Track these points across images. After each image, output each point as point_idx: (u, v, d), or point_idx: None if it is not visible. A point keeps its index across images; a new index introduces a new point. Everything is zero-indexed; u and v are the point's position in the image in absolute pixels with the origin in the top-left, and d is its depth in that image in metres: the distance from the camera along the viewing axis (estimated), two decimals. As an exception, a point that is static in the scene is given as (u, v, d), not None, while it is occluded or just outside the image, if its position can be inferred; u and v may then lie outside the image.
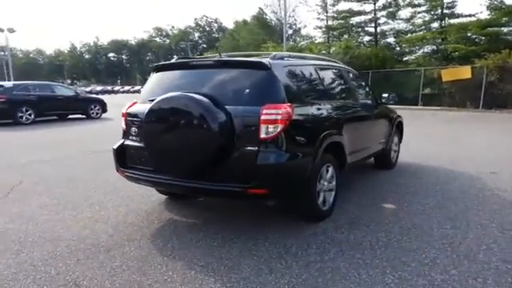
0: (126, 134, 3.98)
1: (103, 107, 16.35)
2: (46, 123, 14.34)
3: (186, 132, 3.36)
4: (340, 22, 33.74)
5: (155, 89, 3.88)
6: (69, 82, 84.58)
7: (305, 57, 4.67)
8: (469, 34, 24.87)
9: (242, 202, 4.39)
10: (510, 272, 2.88)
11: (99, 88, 55.96)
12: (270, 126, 3.24)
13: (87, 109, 15.65)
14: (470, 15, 27.03)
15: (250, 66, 3.60)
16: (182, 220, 4.05)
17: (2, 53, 63.63)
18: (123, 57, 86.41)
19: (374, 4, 31.80)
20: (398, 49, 30.35)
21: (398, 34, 31.48)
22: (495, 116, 16.58)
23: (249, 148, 3.27)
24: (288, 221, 3.90)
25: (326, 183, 3.93)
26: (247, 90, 3.47)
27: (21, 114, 13.72)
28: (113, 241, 3.48)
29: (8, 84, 14.30)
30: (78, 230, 3.75)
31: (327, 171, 3.96)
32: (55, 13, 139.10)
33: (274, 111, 3.25)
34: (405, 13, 30.69)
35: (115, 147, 3.98)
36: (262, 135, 3.24)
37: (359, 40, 34.27)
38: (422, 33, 28.46)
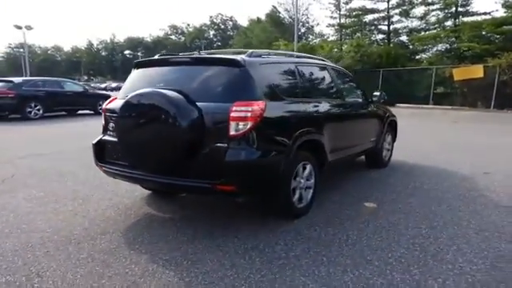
0: (105, 130, 4.04)
1: (111, 103, 16.49)
2: (54, 118, 14.61)
3: (156, 128, 3.40)
4: (353, 20, 33.45)
5: (135, 85, 3.92)
6: (85, 78, 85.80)
7: (286, 55, 4.66)
8: (483, 33, 24.37)
9: (221, 199, 4.40)
10: (472, 273, 2.85)
11: (114, 85, 56.54)
12: (239, 122, 3.26)
13: (96, 104, 15.85)
14: (484, 13, 26.55)
15: (225, 63, 3.61)
16: (159, 215, 4.09)
17: (22, 50, 65.13)
18: (139, 54, 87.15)
19: (388, 2, 31.45)
20: (410, 47, 29.92)
21: (411, 32, 31.05)
22: (506, 116, 16.27)
23: (218, 144, 3.29)
24: (264, 218, 3.91)
25: (302, 181, 3.92)
26: (220, 87, 3.49)
27: (29, 110, 13.99)
28: (86, 233, 3.54)
29: (18, 80, 14.59)
30: (55, 222, 3.82)
31: (304, 169, 3.95)
32: (73, 10, 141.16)
33: (243, 108, 3.26)
34: (419, 10, 30.12)
35: (94, 142, 4.05)
36: (232, 132, 3.25)
37: (372, 38, 33.93)
38: (435, 31, 28.00)
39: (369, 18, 32.88)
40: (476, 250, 3.23)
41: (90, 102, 15.91)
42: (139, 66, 4.10)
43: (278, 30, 39.05)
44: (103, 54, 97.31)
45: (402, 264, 2.98)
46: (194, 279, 2.75)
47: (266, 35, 39.56)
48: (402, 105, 22.10)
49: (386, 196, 4.73)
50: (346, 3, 33.61)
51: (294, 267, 2.92)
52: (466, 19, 27.02)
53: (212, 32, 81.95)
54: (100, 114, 13.91)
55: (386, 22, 32.40)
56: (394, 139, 6.62)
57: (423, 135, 10.47)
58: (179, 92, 3.38)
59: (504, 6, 24.62)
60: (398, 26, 32.05)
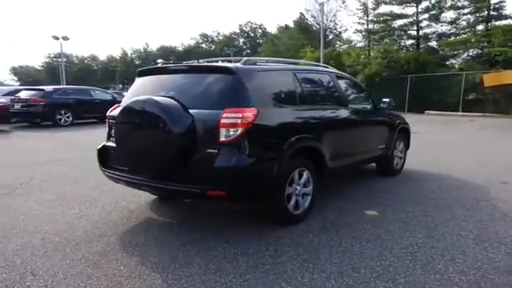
0: (108, 136, 4.19)
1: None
2: (83, 126, 15.13)
3: (149, 133, 3.51)
4: (381, 25, 32.98)
5: (135, 92, 4.06)
6: (120, 86, 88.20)
7: (285, 62, 4.69)
8: (516, 37, 23.48)
9: (222, 205, 4.47)
10: (460, 283, 2.78)
11: (146, 92, 58.03)
12: (230, 129, 3.32)
13: (123, 112, 16.27)
14: (518, 17, 25.60)
15: (218, 71, 3.70)
16: (159, 219, 4.20)
17: (60, 59, 67.97)
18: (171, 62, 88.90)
19: (417, 7, 30.82)
20: (440, 53, 29.19)
21: (440, 37, 30.30)
22: (539, 123, 15.60)
23: (209, 150, 3.36)
24: (260, 224, 3.93)
25: (298, 187, 3.94)
26: (213, 94, 3.58)
27: (59, 117, 14.58)
28: (86, 236, 3.68)
29: (48, 88, 15.23)
30: (60, 224, 3.99)
31: (301, 175, 3.97)
32: (108, 20, 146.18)
33: (234, 115, 3.32)
34: (449, 15, 29.30)
35: (98, 148, 4.20)
36: (222, 138, 3.32)
37: (402, 43, 33.34)
38: (465, 36, 27.23)
39: (398, 23, 32.32)
40: (470, 260, 3.15)
41: (117, 110, 16.37)
42: (141, 74, 4.25)
43: (305, 36, 38.93)
44: (137, 62, 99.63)
45: (388, 273, 2.95)
46: (176, 282, 2.81)
47: (293, 42, 39.54)
48: (430, 112, 21.64)
49: (391, 204, 4.66)
50: (374, 8, 33.23)
51: (278, 273, 2.94)
52: (498, 23, 26.14)
53: (242, 40, 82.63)
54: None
55: (415, 27, 31.75)
56: (406, 147, 6.50)
57: (445, 143, 10.20)
58: (172, 99, 3.49)
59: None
60: (427, 30, 31.38)
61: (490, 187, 5.43)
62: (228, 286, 2.76)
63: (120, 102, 4.10)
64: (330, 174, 4.58)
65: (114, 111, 4.12)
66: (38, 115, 14.28)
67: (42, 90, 14.86)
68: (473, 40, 25.47)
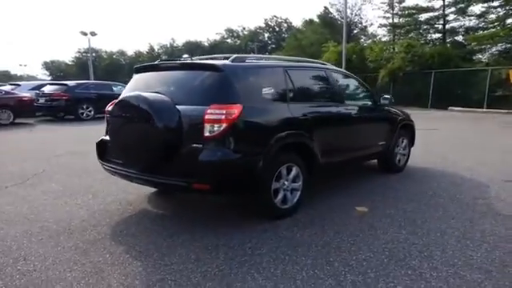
0: (106, 130, 4.39)
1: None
2: (103, 120, 15.52)
3: (137, 128, 3.68)
4: (406, 19, 32.31)
5: (131, 88, 4.25)
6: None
7: (277, 59, 4.76)
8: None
9: (217, 198, 4.60)
10: (430, 279, 2.83)
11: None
12: (214, 125, 3.44)
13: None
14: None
15: (206, 68, 3.82)
16: (153, 211, 4.38)
17: (89, 54, 69.85)
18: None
19: (443, 0, 30.04)
20: (467, 47, 28.37)
21: (467, 31, 29.44)
22: None
23: (195, 145, 3.50)
24: (250, 218, 4.03)
25: (286, 182, 4.02)
26: (200, 91, 3.71)
27: (82, 111, 15.08)
28: (81, 225, 3.89)
29: (71, 83, 15.75)
30: (60, 213, 4.22)
31: (290, 171, 4.05)
32: (136, 16, 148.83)
33: (218, 111, 3.44)
34: (478, 8, 28.37)
35: (97, 142, 4.41)
36: (206, 133, 3.45)
37: (428, 38, 32.58)
38: (493, 30, 26.35)
39: (424, 16, 31.58)
40: (447, 257, 3.17)
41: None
42: (138, 71, 4.41)
43: (329, 31, 38.61)
44: (163, 57, 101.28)
45: (361, 267, 3.01)
46: (155, 270, 2.97)
47: (317, 37, 39.22)
48: (454, 108, 21.11)
49: (384, 200, 4.68)
50: (400, 2, 32.55)
51: (253, 264, 3.05)
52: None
53: (267, 35, 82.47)
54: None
55: (442, 21, 30.95)
56: (411, 144, 6.45)
57: (461, 140, 10.01)
58: (161, 95, 3.64)
59: None
60: (454, 24, 30.52)
61: (491, 186, 5.36)
62: (202, 274, 2.89)
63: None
64: (324, 169, 4.64)
65: (110, 107, 4.31)
66: (60, 109, 14.80)
67: (65, 84, 15.39)
68: (501, 34, 24.62)
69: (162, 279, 2.83)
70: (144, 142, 3.62)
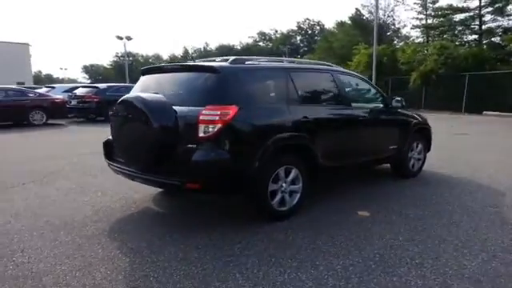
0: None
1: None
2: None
3: (136, 128, 3.77)
4: (440, 20, 31.34)
5: (136, 89, 4.37)
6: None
7: (279, 61, 4.75)
8: None
9: (220, 198, 4.64)
10: (415, 287, 2.74)
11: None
12: (209, 125, 3.49)
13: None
14: None
15: (204, 69, 3.88)
16: (155, 209, 4.48)
17: (125, 58, 72.09)
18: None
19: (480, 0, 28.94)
20: (506, 48, 27.16)
21: (506, 31, 28.18)
22: None
23: (189, 145, 3.56)
24: (248, 219, 4.04)
25: (285, 184, 4.01)
26: (198, 92, 3.78)
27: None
28: (83, 221, 4.03)
29: (102, 86, 16.27)
30: (67, 210, 4.38)
31: (289, 173, 4.04)
32: (172, 21, 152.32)
33: (212, 112, 3.49)
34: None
35: (104, 141, 4.55)
36: (200, 134, 3.50)
37: (464, 39, 31.49)
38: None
39: (458, 17, 30.53)
40: (439, 265, 3.08)
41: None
42: (144, 73, 4.53)
43: (360, 33, 37.99)
44: (197, 61, 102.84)
45: (346, 272, 2.97)
46: (140, 266, 3.04)
47: (349, 39, 38.70)
48: (489, 112, 20.31)
49: (389, 206, 4.57)
50: (433, 2, 31.62)
51: (238, 265, 3.07)
52: None
53: (299, 37, 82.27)
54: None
55: (478, 22, 29.81)
56: (427, 148, 6.27)
57: (488, 147, 9.61)
58: (159, 96, 3.73)
59: None
60: (492, 25, 29.29)
61: (508, 194, 5.13)
62: (185, 273, 2.94)
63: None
64: (327, 173, 4.61)
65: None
66: (91, 111, 15.32)
67: (96, 87, 15.92)
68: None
69: (145, 276, 2.89)
70: (141, 142, 3.71)
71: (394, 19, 38.77)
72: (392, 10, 37.62)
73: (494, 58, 23.70)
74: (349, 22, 43.30)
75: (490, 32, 29.72)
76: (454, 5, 30.10)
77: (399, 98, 5.55)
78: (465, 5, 29.76)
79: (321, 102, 4.67)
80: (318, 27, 78.31)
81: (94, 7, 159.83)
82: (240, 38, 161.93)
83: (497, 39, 29.27)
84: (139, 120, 3.67)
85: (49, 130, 13.14)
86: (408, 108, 6.27)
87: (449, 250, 3.38)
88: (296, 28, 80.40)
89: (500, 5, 27.89)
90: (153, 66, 4.53)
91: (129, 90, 15.25)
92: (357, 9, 41.01)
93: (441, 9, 31.11)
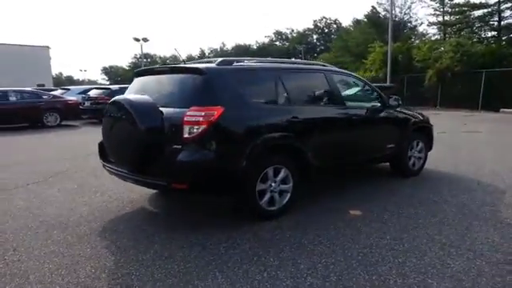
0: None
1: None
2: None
3: (124, 130, 3.85)
4: (457, 16, 30.73)
5: (129, 91, 4.45)
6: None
7: (269, 62, 4.76)
8: None
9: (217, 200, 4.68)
10: (393, 286, 2.76)
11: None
12: (194, 126, 3.54)
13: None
14: None
15: (190, 71, 3.93)
16: (149, 209, 4.56)
17: (144, 60, 73.24)
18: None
19: (498, -5, 28.27)
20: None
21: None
22: None
23: (175, 146, 3.61)
24: (240, 218, 4.08)
25: (274, 184, 4.03)
26: (184, 94, 3.83)
27: (123, 114, 15.74)
28: (77, 220, 4.13)
29: (114, 87, 16.50)
30: (64, 209, 4.50)
31: (278, 172, 4.06)
32: (188, 21, 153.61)
33: (197, 113, 3.54)
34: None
35: (99, 142, 4.65)
36: (185, 135, 3.55)
37: (482, 36, 30.82)
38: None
39: (476, 13, 29.84)
40: (421, 265, 3.06)
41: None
42: (136, 75, 4.62)
43: (377, 31, 37.56)
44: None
45: (325, 270, 2.98)
46: (125, 265, 3.11)
47: (365, 37, 38.28)
48: (506, 110, 19.87)
49: (383, 205, 4.54)
50: (451, -1, 31.02)
51: (220, 264, 3.11)
52: None
53: (315, 36, 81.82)
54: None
55: (497, 18, 29.12)
56: (428, 147, 6.18)
57: (498, 144, 9.41)
58: (146, 98, 3.80)
59: None
60: (511, 21, 28.56)
61: (508, 193, 5.04)
62: (167, 271, 2.99)
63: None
64: (320, 172, 4.60)
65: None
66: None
67: (109, 89, 16.17)
68: None
69: (128, 273, 2.96)
70: (129, 143, 3.78)
71: (410, 17, 38.17)
72: (409, 8, 37.08)
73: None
74: (365, 20, 42.84)
75: (509, 28, 28.98)
76: (472, 1, 29.38)
77: (396, 97, 5.51)
78: (483, 1, 29.09)
79: (312, 102, 4.65)
80: (334, 26, 77.70)
81: (114, 9, 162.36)
82: (256, 37, 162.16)
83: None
84: (126, 121, 3.74)
85: (62, 131, 13.42)
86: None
87: (435, 248, 3.36)
88: (312, 27, 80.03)
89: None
90: (145, 68, 4.61)
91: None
92: (373, 6, 40.53)
93: (458, 5, 30.46)
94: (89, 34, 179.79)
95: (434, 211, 4.32)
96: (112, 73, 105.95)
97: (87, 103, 15.57)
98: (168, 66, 4.33)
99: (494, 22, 29.69)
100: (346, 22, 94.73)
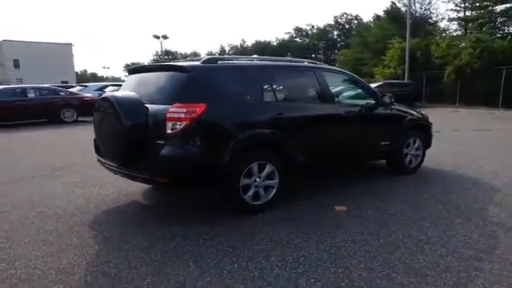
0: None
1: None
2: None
3: (110, 125, 4.02)
4: (479, 12, 30.00)
5: (123, 88, 4.63)
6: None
7: (257, 59, 4.85)
8: None
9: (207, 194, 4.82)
10: (355, 279, 2.83)
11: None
12: (176, 123, 3.68)
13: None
14: None
15: (175, 69, 4.06)
16: (142, 203, 4.74)
17: (164, 57, 74.18)
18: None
19: (522, -12, 27.45)
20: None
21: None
22: None
23: (158, 142, 3.76)
24: (225, 213, 4.18)
25: (258, 179, 4.14)
26: (169, 91, 3.97)
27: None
28: (72, 212, 4.33)
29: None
30: (62, 201, 4.71)
31: (263, 168, 4.16)
32: (209, 18, 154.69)
33: (179, 110, 3.68)
34: None
35: (94, 137, 4.84)
36: (168, 131, 3.69)
37: (506, 31, 30.00)
38: None
39: (499, 8, 29.05)
40: (391, 259, 3.12)
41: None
42: (130, 72, 4.79)
43: (396, 26, 37.01)
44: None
45: (295, 263, 3.08)
46: (106, 254, 3.28)
47: (384, 33, 37.82)
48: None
49: (370, 201, 4.57)
50: (472, -6, 30.30)
51: (195, 255, 3.24)
52: None
53: (336, 32, 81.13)
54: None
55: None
56: (426, 145, 6.16)
57: (506, 143, 9.26)
58: (133, 95, 3.97)
59: None
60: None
61: (502, 191, 5.00)
62: (144, 260, 3.15)
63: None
64: (307, 169, 4.70)
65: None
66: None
67: (120, 85, 16.51)
68: None
69: (106, 262, 3.13)
70: (115, 138, 3.95)
71: (431, 12, 37.47)
72: (429, 3, 36.40)
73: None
74: (384, 15, 42.29)
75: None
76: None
77: (389, 95, 5.52)
78: (505, -6, 28.33)
79: (298, 99, 4.72)
80: (355, 21, 76.86)
81: (136, 7, 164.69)
82: (276, 34, 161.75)
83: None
84: (113, 117, 3.91)
85: (78, 126, 13.80)
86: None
87: (409, 244, 3.40)
88: (333, 23, 79.30)
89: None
90: (137, 66, 4.78)
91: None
92: (392, 2, 39.96)
93: (479, 0, 29.73)
94: (112, 32, 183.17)
95: (420, 208, 4.35)
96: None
97: (103, 100, 15.93)
98: (157, 64, 4.48)
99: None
100: (367, 17, 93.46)
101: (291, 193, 4.83)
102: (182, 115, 3.65)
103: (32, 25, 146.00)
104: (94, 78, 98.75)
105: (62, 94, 15.08)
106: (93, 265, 3.09)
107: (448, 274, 2.88)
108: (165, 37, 48.00)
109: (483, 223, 3.89)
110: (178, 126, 3.67)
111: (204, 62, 4.09)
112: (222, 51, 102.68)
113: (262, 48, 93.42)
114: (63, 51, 59.73)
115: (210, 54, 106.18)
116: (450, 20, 34.06)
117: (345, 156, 5.16)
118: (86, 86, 19.23)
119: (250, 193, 4.10)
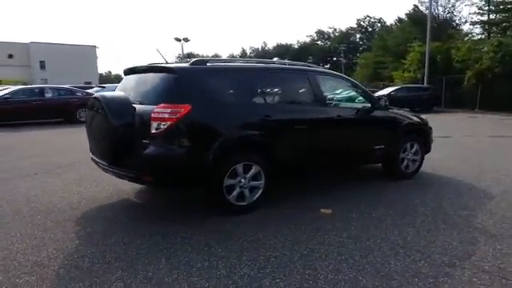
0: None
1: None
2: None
3: (99, 124, 4.14)
4: (503, 15, 29.25)
5: (118, 88, 4.76)
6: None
7: (249, 62, 4.89)
8: None
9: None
10: (320, 280, 2.85)
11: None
12: (161, 123, 3.77)
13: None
14: None
15: (165, 71, 4.15)
16: (133, 201, 4.85)
17: (186, 59, 75.18)
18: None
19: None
20: None
21: None
22: None
23: (144, 141, 3.86)
24: (212, 212, 4.24)
25: (243, 180, 4.18)
26: (156, 91, 4.07)
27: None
28: (63, 207, 4.47)
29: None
30: (57, 198, 4.86)
31: (249, 169, 4.21)
32: (230, 21, 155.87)
33: (163, 110, 3.76)
34: None
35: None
36: (153, 130, 3.78)
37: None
38: None
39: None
40: (362, 263, 3.12)
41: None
42: (125, 73, 4.91)
43: (418, 30, 36.45)
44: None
45: (265, 262, 3.12)
46: (83, 249, 3.39)
47: (405, 36, 37.31)
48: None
49: (356, 205, 4.53)
50: (496, -4, 29.59)
51: (171, 252, 3.31)
52: None
53: (358, 35, 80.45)
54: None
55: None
56: (424, 150, 6.08)
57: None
58: (121, 95, 4.08)
59: None
60: None
61: (496, 198, 4.89)
62: (119, 255, 3.24)
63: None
64: (294, 172, 4.72)
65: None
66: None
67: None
68: None
69: (83, 256, 3.23)
70: (105, 137, 4.07)
71: (454, 15, 36.78)
72: (452, 6, 35.73)
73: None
74: (406, 18, 41.74)
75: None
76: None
77: (384, 98, 5.49)
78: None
79: (289, 101, 4.76)
80: (378, 24, 76.04)
81: (159, 10, 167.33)
82: (298, 37, 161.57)
83: None
84: (102, 117, 4.02)
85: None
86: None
87: (384, 249, 3.39)
88: (356, 26, 78.72)
89: None
90: (130, 67, 4.89)
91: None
92: (414, 5, 39.43)
93: (504, 3, 29.00)
94: (135, 34, 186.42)
95: (405, 214, 4.31)
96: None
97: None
98: (148, 66, 4.57)
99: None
100: (391, 20, 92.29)
101: (282, 194, 4.88)
102: (166, 115, 3.73)
103: (59, 28, 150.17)
104: (118, 79, 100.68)
105: (78, 94, 15.47)
106: (69, 258, 3.20)
107: (416, 278, 2.87)
108: (186, 39, 48.36)
109: (467, 230, 3.84)
110: (162, 126, 3.75)
111: (193, 63, 4.17)
112: (244, 54, 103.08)
113: (283, 51, 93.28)
114: (87, 53, 61.15)
115: (231, 56, 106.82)
116: (473, 24, 33.27)
117: (334, 159, 5.15)
118: (104, 87, 19.64)
119: (235, 193, 4.15)
